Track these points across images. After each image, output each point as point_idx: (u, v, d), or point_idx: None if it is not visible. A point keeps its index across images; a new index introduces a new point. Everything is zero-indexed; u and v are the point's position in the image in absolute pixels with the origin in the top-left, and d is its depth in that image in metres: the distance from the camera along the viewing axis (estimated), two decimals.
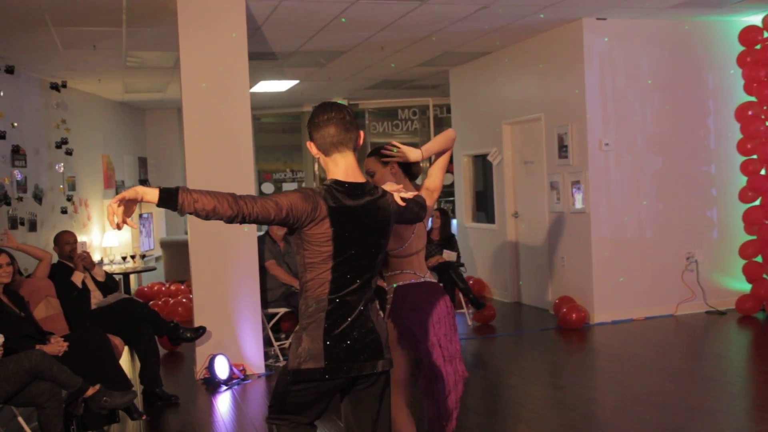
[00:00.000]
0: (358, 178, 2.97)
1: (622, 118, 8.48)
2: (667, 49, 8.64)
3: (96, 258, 10.83)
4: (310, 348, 2.87)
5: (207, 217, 2.71)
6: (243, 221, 2.74)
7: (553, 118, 8.89)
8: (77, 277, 6.26)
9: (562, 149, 8.71)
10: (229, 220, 2.72)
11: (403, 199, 3.12)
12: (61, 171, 9.92)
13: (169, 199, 2.66)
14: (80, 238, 6.88)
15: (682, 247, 8.69)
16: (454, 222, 11.94)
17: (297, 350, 2.90)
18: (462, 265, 8.99)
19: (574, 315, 8.21)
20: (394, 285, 3.63)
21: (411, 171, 3.74)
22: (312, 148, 2.99)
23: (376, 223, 2.96)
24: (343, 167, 2.95)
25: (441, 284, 4.02)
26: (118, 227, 2.68)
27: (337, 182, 2.92)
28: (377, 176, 3.68)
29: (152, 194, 2.65)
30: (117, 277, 10.03)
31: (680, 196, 8.69)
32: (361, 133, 3.02)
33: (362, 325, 2.93)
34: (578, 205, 8.53)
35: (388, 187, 3.16)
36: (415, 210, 3.22)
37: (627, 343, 7.59)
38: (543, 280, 9.34)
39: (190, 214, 2.69)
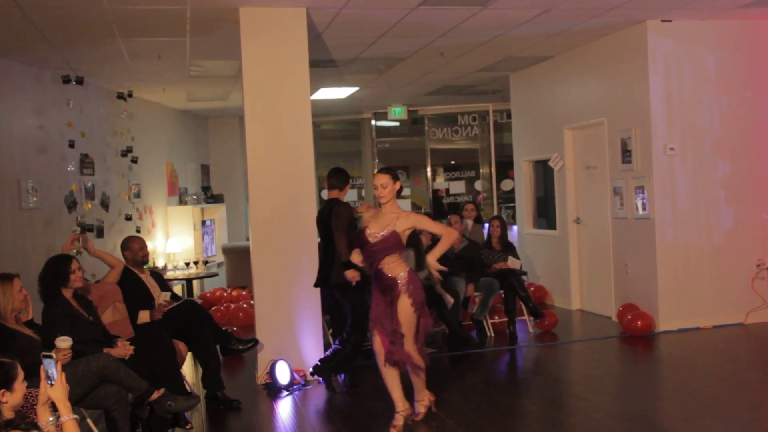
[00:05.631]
0: None
1: (688, 121, 8.28)
2: (736, 50, 8.41)
3: (160, 264, 11.05)
4: None
5: None
6: None
7: (617, 122, 8.73)
8: (143, 317, 6.14)
9: (626, 154, 8.54)
10: None
11: None
12: (127, 178, 10.16)
13: None
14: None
15: (752, 253, 8.43)
16: (515, 228, 11.82)
17: None
18: (524, 273, 8.89)
19: (639, 322, 8.03)
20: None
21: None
22: None
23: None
24: None
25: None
26: None
27: None
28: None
29: None
30: (180, 283, 10.24)
31: (749, 201, 8.44)
32: None
33: None
34: (642, 210, 8.35)
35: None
36: None
37: (694, 352, 7.39)
38: (606, 287, 9.17)
39: None
